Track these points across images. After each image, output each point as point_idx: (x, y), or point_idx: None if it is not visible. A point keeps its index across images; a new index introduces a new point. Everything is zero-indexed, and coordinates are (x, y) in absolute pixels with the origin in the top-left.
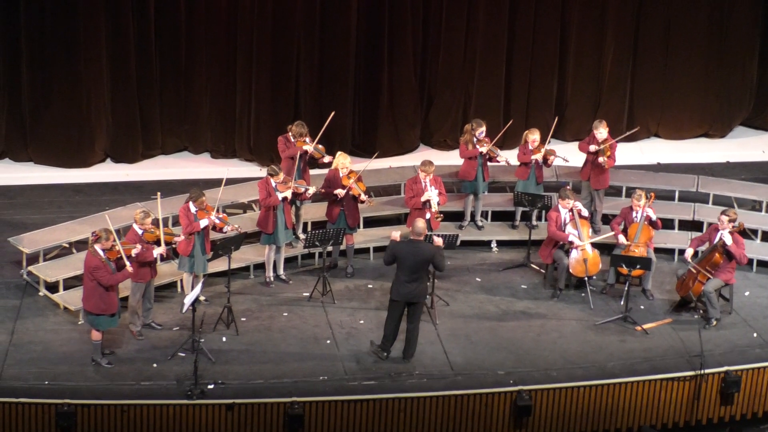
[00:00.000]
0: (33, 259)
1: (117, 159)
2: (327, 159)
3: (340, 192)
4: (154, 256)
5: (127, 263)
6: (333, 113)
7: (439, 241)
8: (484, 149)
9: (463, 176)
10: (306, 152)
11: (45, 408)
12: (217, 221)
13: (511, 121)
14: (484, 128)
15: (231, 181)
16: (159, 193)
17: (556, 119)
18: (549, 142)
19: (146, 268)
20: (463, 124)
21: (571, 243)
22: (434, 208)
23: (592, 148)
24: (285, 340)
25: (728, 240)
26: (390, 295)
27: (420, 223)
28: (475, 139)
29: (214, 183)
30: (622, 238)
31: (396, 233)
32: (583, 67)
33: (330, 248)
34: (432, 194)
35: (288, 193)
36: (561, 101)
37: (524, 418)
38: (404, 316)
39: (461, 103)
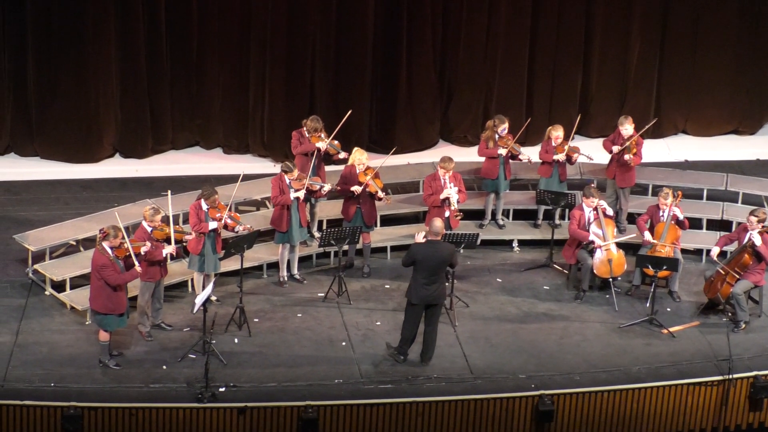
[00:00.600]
0: (39, 257)
1: (126, 154)
2: (343, 155)
3: (356, 189)
4: (164, 255)
5: (136, 262)
6: (350, 112)
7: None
8: (503, 151)
9: (485, 174)
10: (319, 149)
11: (51, 411)
12: (229, 221)
13: (528, 121)
14: (506, 125)
15: (244, 178)
16: (169, 191)
17: (579, 116)
18: (573, 138)
19: (156, 267)
20: (484, 120)
21: (591, 243)
22: (453, 206)
23: (615, 149)
24: (299, 342)
25: (758, 241)
26: (407, 298)
27: (437, 222)
28: (497, 136)
29: (227, 179)
30: (648, 235)
31: (420, 235)
32: (608, 61)
33: (346, 247)
34: (451, 192)
35: (300, 194)
36: (585, 96)
37: (546, 423)
38: (422, 318)
39: (482, 98)
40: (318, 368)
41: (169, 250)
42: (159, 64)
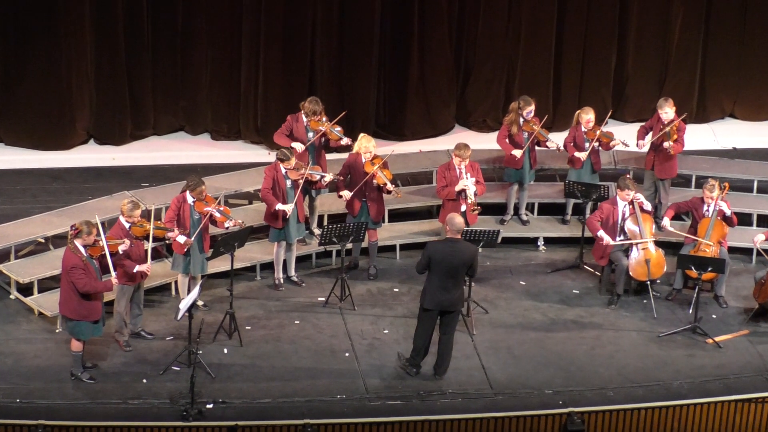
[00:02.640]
0: (3, 256)
1: (102, 140)
2: (345, 142)
3: (345, 195)
4: (135, 270)
5: (111, 266)
6: (344, 112)
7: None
8: (517, 153)
9: (507, 163)
10: (295, 149)
11: (16, 430)
12: (218, 215)
13: (546, 117)
14: (532, 107)
15: (235, 167)
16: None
17: (611, 112)
18: (606, 123)
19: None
20: (506, 102)
21: (600, 239)
22: (471, 199)
23: (647, 139)
24: (297, 353)
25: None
26: (421, 304)
27: (458, 219)
28: (521, 120)
29: (215, 169)
30: (666, 221)
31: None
32: (646, 36)
33: (350, 246)
34: (468, 183)
35: (289, 207)
36: (620, 76)
37: None
38: (437, 326)
39: (504, 78)
40: (318, 382)
41: (143, 268)
42: (139, 38)
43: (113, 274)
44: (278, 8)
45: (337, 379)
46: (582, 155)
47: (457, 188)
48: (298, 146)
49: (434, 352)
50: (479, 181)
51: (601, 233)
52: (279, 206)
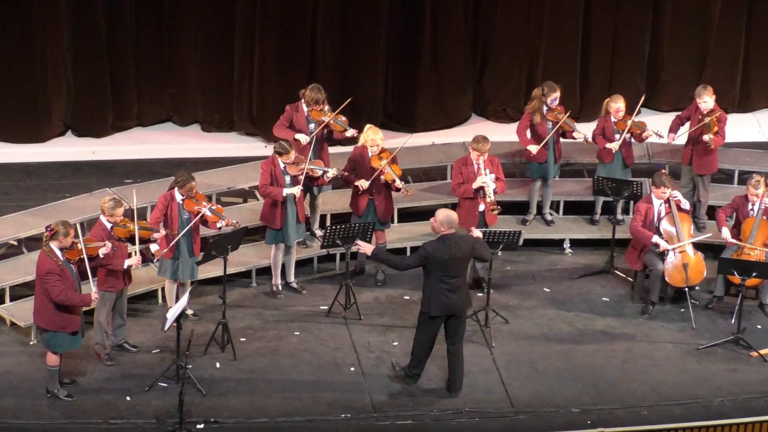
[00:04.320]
0: None
1: (80, 132)
2: (350, 133)
3: (362, 183)
4: (125, 267)
5: (92, 281)
6: (350, 99)
7: (477, 233)
8: (533, 148)
9: (530, 157)
10: (299, 141)
11: None
12: (209, 214)
13: (572, 106)
14: (557, 94)
15: (228, 162)
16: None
17: (643, 97)
18: (638, 112)
19: (118, 274)
20: (528, 89)
21: (656, 246)
22: (489, 197)
23: (681, 131)
24: (296, 367)
25: None
26: (424, 311)
27: (447, 212)
28: (545, 109)
29: (206, 164)
30: (725, 232)
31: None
32: (684, 17)
33: (355, 248)
34: (487, 180)
35: (297, 190)
36: (655, 60)
37: None
38: (441, 335)
39: (525, 63)
40: (320, 400)
41: (132, 262)
42: (122, 20)
43: (92, 281)
44: None
45: (342, 396)
46: (614, 146)
47: (475, 185)
48: (302, 138)
49: (437, 365)
50: (499, 178)
51: (656, 239)
52: (286, 190)
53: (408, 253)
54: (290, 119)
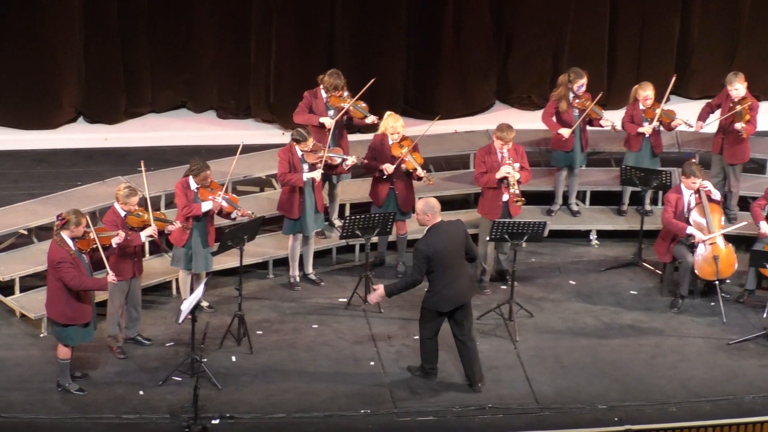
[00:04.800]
0: None
1: (92, 118)
2: (371, 120)
3: (388, 167)
4: (143, 240)
5: (108, 269)
6: (373, 80)
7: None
8: (565, 131)
9: (556, 145)
10: (323, 125)
11: None
12: (224, 204)
13: (600, 93)
14: (584, 81)
15: (244, 149)
16: (143, 164)
17: (674, 78)
18: (667, 100)
19: (127, 262)
20: (554, 76)
21: (691, 237)
22: (513, 188)
23: (708, 122)
24: (314, 361)
25: None
26: (431, 308)
27: (431, 201)
28: (571, 96)
29: (222, 152)
30: (764, 226)
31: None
32: (715, 0)
33: (375, 239)
34: (511, 169)
35: (317, 173)
36: (684, 46)
37: None
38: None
39: (551, 48)
40: (339, 394)
41: (148, 232)
42: (135, 2)
43: (109, 270)
44: None
45: (361, 391)
46: (646, 129)
47: (498, 175)
48: (327, 121)
49: (447, 360)
50: (524, 167)
51: (691, 230)
52: (306, 175)
53: None
54: (309, 106)
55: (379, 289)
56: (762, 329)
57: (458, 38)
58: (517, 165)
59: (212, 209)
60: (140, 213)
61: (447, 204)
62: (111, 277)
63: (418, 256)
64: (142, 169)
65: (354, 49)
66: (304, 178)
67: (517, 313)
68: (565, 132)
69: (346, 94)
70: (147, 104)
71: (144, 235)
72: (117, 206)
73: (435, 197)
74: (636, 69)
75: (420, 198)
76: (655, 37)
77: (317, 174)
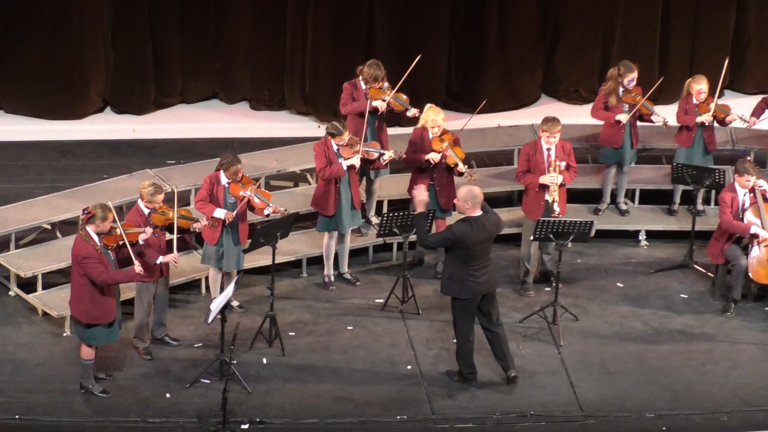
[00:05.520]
0: (2, 245)
1: (120, 109)
2: (412, 112)
3: (433, 157)
4: (158, 262)
5: (135, 261)
6: (419, 56)
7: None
8: (623, 117)
9: (605, 141)
10: (377, 109)
11: None
12: (257, 200)
13: (652, 87)
14: (635, 74)
15: (278, 143)
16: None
17: (726, 61)
18: (722, 94)
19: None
20: (602, 69)
21: (754, 238)
22: (553, 196)
23: (762, 118)
24: (349, 364)
25: None
26: (453, 297)
27: (475, 189)
28: (621, 90)
29: (254, 145)
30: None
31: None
32: None
33: (414, 238)
34: (555, 179)
35: (356, 160)
36: (740, 38)
37: None
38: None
39: (600, 39)
40: (374, 400)
41: (167, 259)
42: None
43: (136, 262)
44: None
45: (397, 396)
46: (705, 118)
47: (542, 181)
48: (380, 104)
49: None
50: (570, 166)
51: (755, 229)
52: (345, 162)
53: None
54: (352, 96)
55: (424, 201)
56: None
57: (503, 28)
58: (563, 164)
59: (225, 218)
60: (164, 211)
61: (489, 202)
62: (138, 268)
63: (445, 233)
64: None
65: (394, 39)
66: (345, 166)
67: (561, 316)
68: (623, 117)
69: (386, 85)
70: (177, 94)
71: (161, 260)
72: (141, 204)
73: None
74: (689, 62)
75: (466, 187)
76: (710, 30)
77: (356, 160)
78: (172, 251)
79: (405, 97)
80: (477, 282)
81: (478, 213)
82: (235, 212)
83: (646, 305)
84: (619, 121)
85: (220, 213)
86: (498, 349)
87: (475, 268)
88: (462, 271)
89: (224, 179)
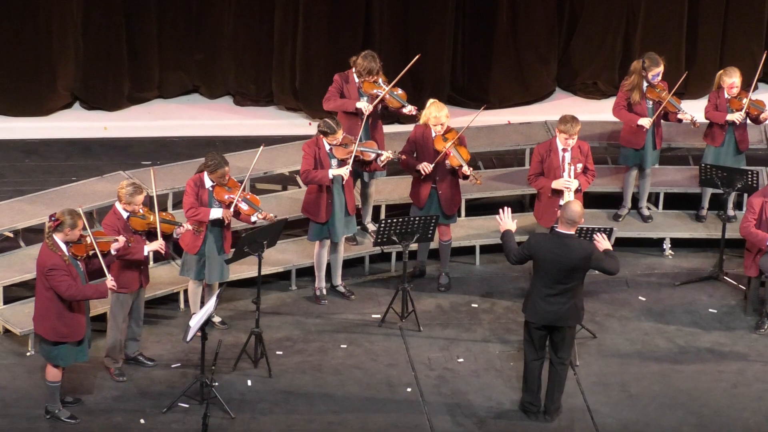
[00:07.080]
0: None
1: (91, 104)
2: (408, 110)
3: (425, 167)
4: (145, 254)
5: (107, 274)
6: (418, 56)
7: (604, 244)
8: (645, 122)
9: (625, 141)
10: (360, 109)
11: None
12: (243, 205)
13: (679, 81)
14: (661, 68)
15: (265, 142)
16: (153, 169)
17: (765, 54)
18: (755, 88)
19: (133, 271)
20: (623, 60)
21: None
22: (567, 196)
23: None
24: (343, 386)
25: None
26: (525, 318)
27: (575, 207)
28: (645, 85)
29: (239, 144)
30: None
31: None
32: None
33: (414, 246)
34: (570, 184)
35: (345, 171)
36: None
37: None
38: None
39: (621, 26)
40: (371, 425)
41: (154, 246)
42: None
43: (109, 277)
44: None
45: (396, 421)
46: (736, 116)
47: (555, 186)
48: (365, 106)
49: (511, 386)
50: (588, 168)
51: None
52: (332, 171)
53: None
54: (340, 90)
55: (508, 226)
56: None
57: (514, 15)
58: (580, 166)
59: (224, 217)
60: (145, 214)
61: (497, 207)
62: (111, 282)
63: (524, 243)
64: (152, 176)
65: (394, 28)
66: (330, 175)
67: (577, 333)
68: (646, 122)
69: (381, 80)
70: (154, 88)
71: (148, 249)
72: (118, 207)
73: (484, 198)
74: (719, 53)
75: (568, 202)
76: (742, 17)
77: (345, 171)
78: (151, 259)
79: (401, 92)
80: (547, 305)
81: (569, 232)
82: (231, 210)
83: (671, 321)
84: (642, 126)
85: (216, 213)
86: (549, 388)
87: (549, 290)
88: (534, 289)
89: (208, 182)
